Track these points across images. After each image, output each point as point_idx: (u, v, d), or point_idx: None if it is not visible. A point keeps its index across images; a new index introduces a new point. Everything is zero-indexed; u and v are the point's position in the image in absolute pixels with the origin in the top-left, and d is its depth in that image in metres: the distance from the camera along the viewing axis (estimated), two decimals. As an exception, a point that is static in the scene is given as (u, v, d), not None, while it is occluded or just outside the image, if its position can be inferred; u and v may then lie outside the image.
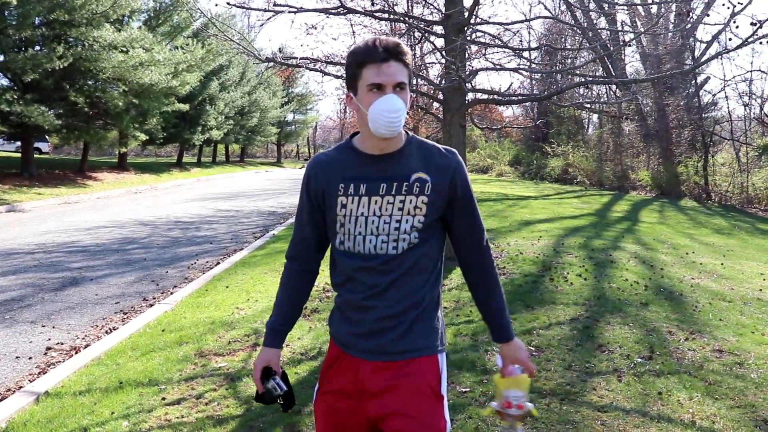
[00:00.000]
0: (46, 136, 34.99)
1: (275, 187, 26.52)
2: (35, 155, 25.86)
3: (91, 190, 21.49)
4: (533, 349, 4.92)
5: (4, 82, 20.88)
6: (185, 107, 28.00)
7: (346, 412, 1.99)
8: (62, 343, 5.68)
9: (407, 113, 1.89)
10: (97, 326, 6.22)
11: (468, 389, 4.12)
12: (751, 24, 6.70)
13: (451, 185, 1.96)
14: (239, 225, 13.87)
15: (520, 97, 10.79)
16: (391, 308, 1.95)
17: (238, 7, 8.64)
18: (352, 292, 2.01)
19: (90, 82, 21.47)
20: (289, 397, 2.14)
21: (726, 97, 32.93)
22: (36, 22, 19.27)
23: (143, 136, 26.48)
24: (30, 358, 5.31)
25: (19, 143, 25.35)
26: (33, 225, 12.95)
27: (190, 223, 13.83)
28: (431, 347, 1.99)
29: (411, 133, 2.04)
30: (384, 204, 1.93)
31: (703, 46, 23.47)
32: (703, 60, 20.07)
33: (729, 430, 3.61)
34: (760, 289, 7.19)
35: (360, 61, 1.88)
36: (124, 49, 21.29)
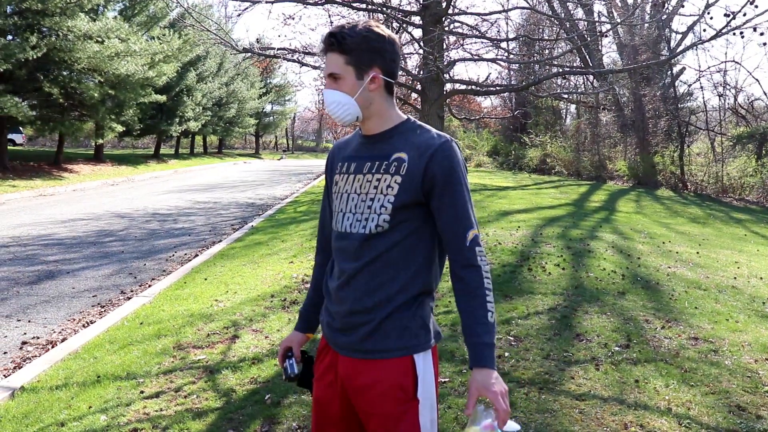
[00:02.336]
0: (20, 128, 34.47)
1: (253, 179, 26.39)
2: (9, 147, 25.48)
3: (67, 183, 21.23)
4: (512, 339, 4.95)
5: (-24, 73, 20.52)
6: (162, 98, 27.74)
7: (330, 401, 1.99)
8: (38, 337, 5.62)
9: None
10: (74, 320, 6.16)
11: (447, 379, 4.14)
12: (725, 15, 6.78)
13: (429, 168, 1.84)
14: (217, 217, 13.78)
15: (498, 88, 10.84)
16: (359, 302, 1.88)
17: (214, -4, 8.56)
18: (331, 278, 2.01)
19: (65, 73, 21.13)
20: (309, 382, 2.17)
21: (701, 87, 33.23)
22: (8, 11, 18.94)
23: (120, 128, 26.19)
24: (5, 352, 5.24)
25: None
26: (7, 218, 12.77)
27: (168, 215, 13.72)
28: (404, 348, 1.87)
29: (412, 118, 2.01)
30: (364, 182, 1.91)
31: (679, 36, 23.71)
32: (678, 51, 20.28)
33: (704, 417, 3.67)
34: (735, 278, 7.29)
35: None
36: (100, 39, 20.98)
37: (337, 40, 1.86)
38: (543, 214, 12.12)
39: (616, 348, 4.77)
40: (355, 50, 1.87)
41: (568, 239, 9.00)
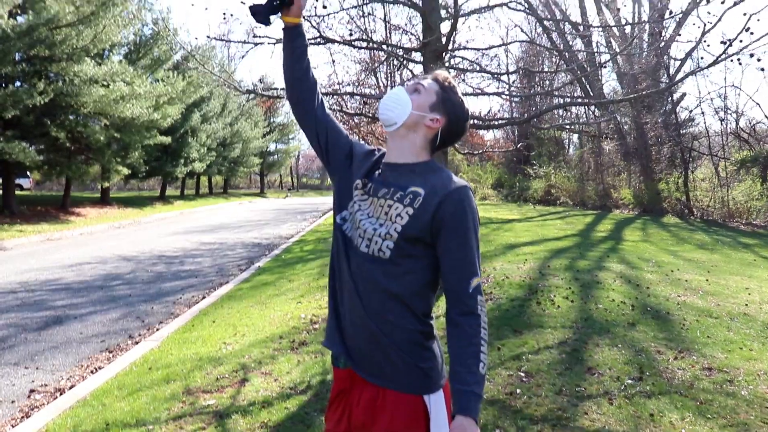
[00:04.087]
0: (28, 173, 34.74)
1: (258, 218, 26.43)
2: (17, 192, 25.62)
3: (74, 226, 21.29)
4: (523, 374, 4.89)
5: (-16, 119, 20.74)
6: (167, 140, 27.94)
7: None
8: (46, 385, 5.58)
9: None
10: (81, 366, 6.13)
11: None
12: (722, 42, 6.83)
13: (439, 209, 1.87)
14: (224, 258, 13.78)
15: (500, 121, 10.88)
16: (370, 323, 1.93)
17: (218, 40, 8.67)
18: (342, 301, 2.05)
19: (71, 117, 21.30)
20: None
21: (702, 112, 33.36)
22: (16, 59, 19.21)
23: (125, 170, 26.36)
24: (12, 401, 5.21)
25: (-1, 180, 25.05)
26: (15, 263, 12.79)
27: (174, 257, 13.72)
28: (416, 387, 1.93)
29: (435, 160, 2.08)
30: (377, 206, 1.97)
31: (678, 63, 23.83)
32: (677, 78, 20.39)
33: (722, 450, 3.61)
34: (746, 304, 7.23)
35: None
36: (105, 83, 21.24)
37: (444, 79, 2.05)
38: (549, 246, 12.08)
39: (629, 381, 4.72)
40: (447, 95, 2.03)
41: (576, 271, 8.96)
